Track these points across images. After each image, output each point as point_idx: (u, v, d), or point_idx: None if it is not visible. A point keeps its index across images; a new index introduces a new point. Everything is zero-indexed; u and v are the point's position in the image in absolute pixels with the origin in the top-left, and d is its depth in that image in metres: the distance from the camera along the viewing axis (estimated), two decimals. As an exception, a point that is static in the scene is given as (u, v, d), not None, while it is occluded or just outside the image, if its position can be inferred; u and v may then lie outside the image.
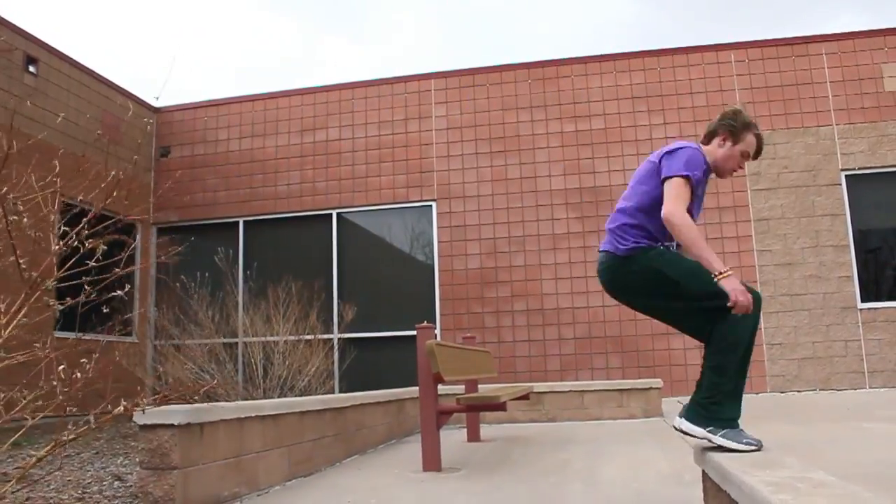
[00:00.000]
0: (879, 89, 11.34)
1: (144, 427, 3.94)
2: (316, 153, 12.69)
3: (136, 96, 12.94)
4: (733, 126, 3.75)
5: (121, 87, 12.64)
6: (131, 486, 4.71)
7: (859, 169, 11.19)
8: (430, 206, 12.22)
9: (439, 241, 12.09)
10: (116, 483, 4.88)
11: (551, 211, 11.81)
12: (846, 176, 11.22)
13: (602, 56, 12.15)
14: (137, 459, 4.58)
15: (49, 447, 2.98)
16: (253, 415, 4.66)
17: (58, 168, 3.27)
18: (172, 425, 3.89)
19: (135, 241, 12.33)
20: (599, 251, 3.85)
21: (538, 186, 11.91)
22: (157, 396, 3.82)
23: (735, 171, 3.87)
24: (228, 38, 41.73)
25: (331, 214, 12.46)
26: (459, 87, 12.47)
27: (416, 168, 12.33)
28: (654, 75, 11.94)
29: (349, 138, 12.62)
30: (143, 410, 3.78)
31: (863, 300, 10.91)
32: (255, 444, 4.66)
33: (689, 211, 3.54)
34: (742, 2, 38.68)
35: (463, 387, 7.68)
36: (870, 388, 10.62)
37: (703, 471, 3.17)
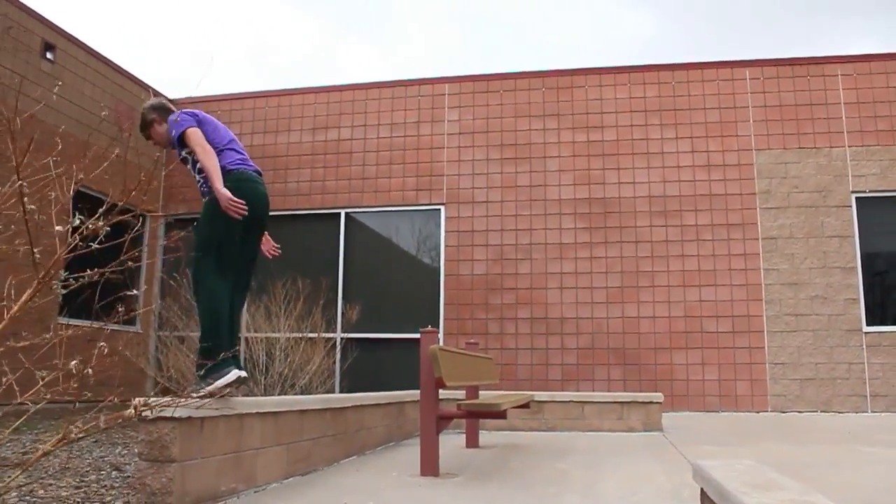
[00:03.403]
0: (893, 113, 11.31)
1: (145, 419, 3.94)
2: (327, 152, 12.72)
3: (150, 86, 12.99)
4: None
5: (135, 77, 12.69)
6: (129, 476, 4.72)
7: (870, 192, 11.17)
8: (439, 209, 12.23)
9: (446, 246, 12.10)
10: (115, 473, 4.89)
11: (559, 220, 11.80)
12: (856, 198, 11.20)
13: (617, 68, 12.15)
14: (136, 451, 4.58)
15: (57, 440, 2.98)
16: (253, 411, 4.66)
17: (60, 146, 3.27)
18: (173, 418, 3.89)
19: (143, 228, 12.38)
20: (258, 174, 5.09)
21: (547, 195, 11.91)
22: (168, 399, 3.80)
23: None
24: (242, 37, 41.83)
25: (339, 213, 12.47)
26: (473, 92, 12.48)
27: (426, 171, 12.35)
28: (668, 89, 11.93)
29: (361, 138, 12.65)
30: (152, 412, 3.75)
31: (868, 323, 10.88)
32: (254, 440, 4.66)
33: None
34: (759, 27, 38.64)
35: (463, 392, 7.67)
36: (872, 411, 10.59)
37: (702, 489, 3.16)
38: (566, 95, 12.18)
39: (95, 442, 6.33)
